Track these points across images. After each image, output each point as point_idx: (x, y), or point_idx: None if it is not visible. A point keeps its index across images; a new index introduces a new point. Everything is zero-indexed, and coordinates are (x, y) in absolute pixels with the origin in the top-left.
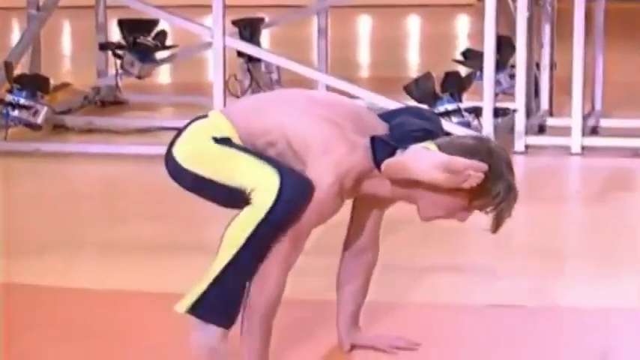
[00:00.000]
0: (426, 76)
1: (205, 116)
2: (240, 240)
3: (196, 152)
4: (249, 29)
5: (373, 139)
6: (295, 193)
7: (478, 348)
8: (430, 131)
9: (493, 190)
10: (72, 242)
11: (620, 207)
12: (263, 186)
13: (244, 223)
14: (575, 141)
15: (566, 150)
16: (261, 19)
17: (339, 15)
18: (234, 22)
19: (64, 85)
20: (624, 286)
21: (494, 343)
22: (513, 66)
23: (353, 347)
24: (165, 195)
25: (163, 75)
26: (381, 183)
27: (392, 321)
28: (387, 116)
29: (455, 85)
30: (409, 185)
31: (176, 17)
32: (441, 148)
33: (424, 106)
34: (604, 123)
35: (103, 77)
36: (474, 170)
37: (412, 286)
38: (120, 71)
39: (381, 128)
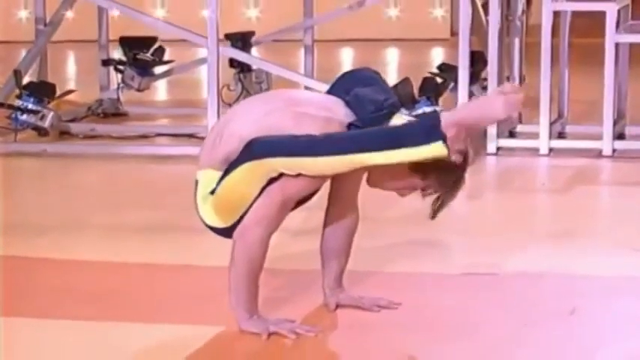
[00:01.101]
0: (405, 81)
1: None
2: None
3: (219, 210)
4: (240, 42)
5: (349, 126)
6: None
7: (454, 311)
8: (383, 101)
9: (447, 180)
10: (74, 224)
11: (582, 195)
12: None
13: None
14: (543, 143)
15: (534, 152)
16: (252, 33)
17: (323, 47)
18: (227, 36)
19: (69, 92)
20: (584, 256)
21: (469, 307)
22: (485, 79)
23: (338, 307)
24: (163, 188)
25: (161, 92)
26: None
27: (374, 287)
28: (334, 92)
29: (432, 89)
30: None
31: (173, 27)
32: None
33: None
34: (570, 129)
35: (105, 91)
36: None
37: (392, 257)
38: (121, 85)
39: (339, 104)
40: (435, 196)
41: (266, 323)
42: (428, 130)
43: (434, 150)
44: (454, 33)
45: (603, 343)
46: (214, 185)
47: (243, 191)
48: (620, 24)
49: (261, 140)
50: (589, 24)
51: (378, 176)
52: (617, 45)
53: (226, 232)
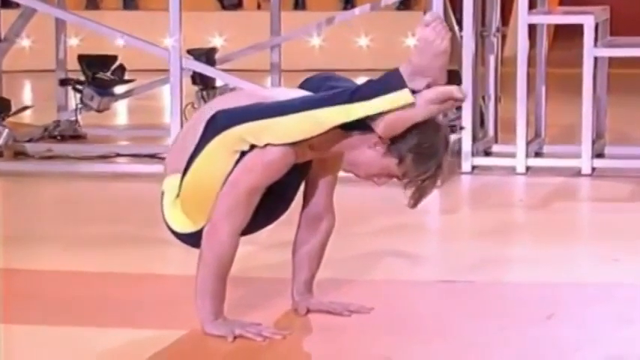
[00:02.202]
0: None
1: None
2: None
3: (189, 206)
4: (204, 57)
5: None
6: None
7: (430, 315)
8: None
9: (424, 165)
10: (35, 237)
11: (561, 210)
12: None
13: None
14: (520, 161)
15: (511, 170)
16: (215, 49)
17: (292, 77)
18: (190, 51)
19: (25, 108)
20: (562, 265)
21: (445, 311)
22: None
23: (308, 312)
24: (124, 204)
25: (121, 117)
26: (327, 141)
27: (348, 294)
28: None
29: None
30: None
31: (134, 39)
32: None
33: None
34: (547, 149)
35: (63, 112)
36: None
37: (367, 267)
38: (80, 105)
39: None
40: (418, 186)
41: (231, 326)
42: (390, 80)
43: (399, 98)
44: None
45: (581, 346)
46: (177, 191)
47: (212, 173)
48: (598, 39)
49: (223, 112)
50: (566, 55)
51: (353, 158)
52: (595, 60)
53: (195, 239)
